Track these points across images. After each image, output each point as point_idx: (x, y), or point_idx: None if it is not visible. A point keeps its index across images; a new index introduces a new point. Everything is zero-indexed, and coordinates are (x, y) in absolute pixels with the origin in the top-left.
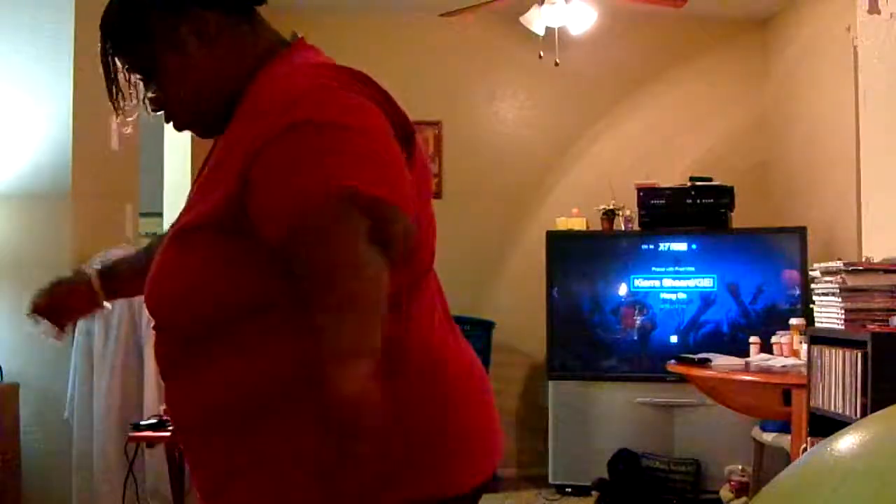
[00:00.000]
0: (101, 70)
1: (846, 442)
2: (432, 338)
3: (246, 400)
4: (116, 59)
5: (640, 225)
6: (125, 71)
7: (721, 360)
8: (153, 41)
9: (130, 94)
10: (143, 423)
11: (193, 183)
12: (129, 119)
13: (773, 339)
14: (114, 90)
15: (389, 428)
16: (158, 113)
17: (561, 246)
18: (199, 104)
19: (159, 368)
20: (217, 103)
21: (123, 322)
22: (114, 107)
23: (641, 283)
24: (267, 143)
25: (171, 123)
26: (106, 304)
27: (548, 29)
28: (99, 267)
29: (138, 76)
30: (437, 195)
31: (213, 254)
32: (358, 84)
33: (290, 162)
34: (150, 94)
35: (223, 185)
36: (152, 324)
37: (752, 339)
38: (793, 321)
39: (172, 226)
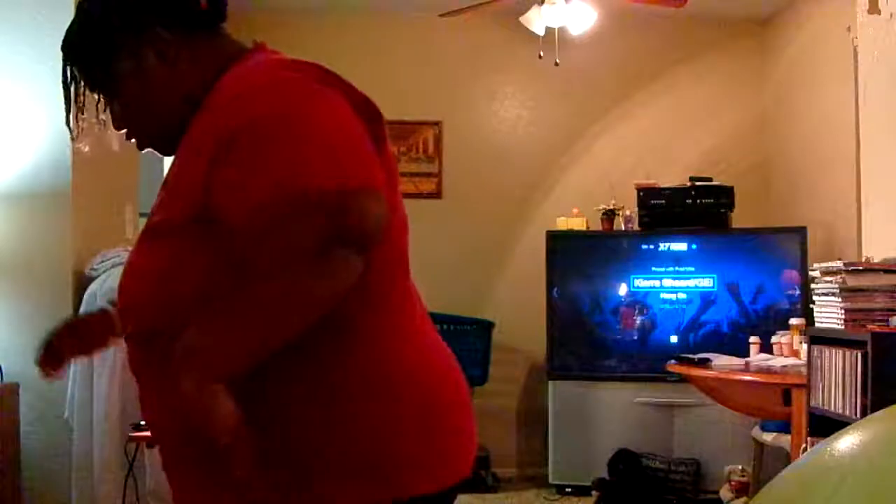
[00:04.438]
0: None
1: (846, 442)
2: (408, 337)
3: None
4: (78, 82)
5: (640, 225)
6: (88, 90)
7: (721, 360)
8: (114, 62)
9: (97, 111)
10: (143, 422)
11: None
12: (86, 139)
13: (773, 339)
14: (72, 113)
15: (350, 428)
16: (122, 131)
17: (561, 246)
18: (160, 124)
19: (133, 374)
20: (177, 122)
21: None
22: (69, 129)
23: (641, 283)
24: (228, 142)
25: (133, 142)
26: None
27: (548, 29)
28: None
29: (101, 95)
30: (437, 195)
31: (181, 256)
32: (317, 73)
33: (251, 158)
34: (113, 114)
35: (189, 189)
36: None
37: (752, 339)
38: (793, 321)
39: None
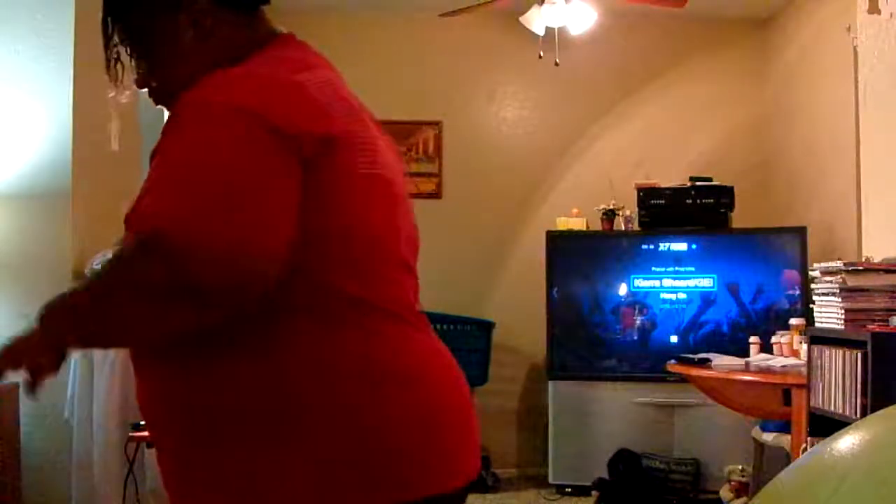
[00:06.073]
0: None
1: (846, 442)
2: (409, 339)
3: (201, 411)
4: (114, 35)
5: (640, 225)
6: (121, 44)
7: (721, 360)
8: (149, 22)
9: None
10: (143, 422)
11: None
12: (127, 91)
13: (773, 339)
14: (111, 60)
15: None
16: (144, 90)
17: (561, 246)
18: (184, 91)
19: (133, 369)
20: None
21: None
22: (109, 76)
23: (641, 283)
24: (155, 151)
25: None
26: None
27: (548, 29)
28: None
29: (131, 52)
30: (437, 195)
31: None
32: (268, 99)
33: (149, 175)
34: (139, 71)
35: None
36: None
37: (752, 339)
38: (793, 321)
39: None
